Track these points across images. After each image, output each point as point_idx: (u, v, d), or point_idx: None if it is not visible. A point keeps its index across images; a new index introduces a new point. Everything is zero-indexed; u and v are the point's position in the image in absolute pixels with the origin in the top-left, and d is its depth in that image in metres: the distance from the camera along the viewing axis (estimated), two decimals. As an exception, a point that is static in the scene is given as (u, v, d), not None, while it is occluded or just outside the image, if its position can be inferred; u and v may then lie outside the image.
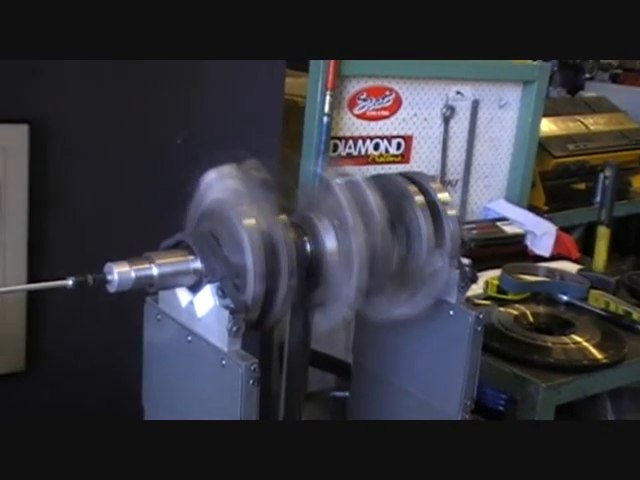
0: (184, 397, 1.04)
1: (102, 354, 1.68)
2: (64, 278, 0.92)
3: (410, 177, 1.14)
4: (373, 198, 1.05)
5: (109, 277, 0.94)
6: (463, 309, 1.16)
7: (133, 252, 0.97)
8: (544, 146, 2.86)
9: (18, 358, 1.60)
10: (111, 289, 0.94)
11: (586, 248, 2.60)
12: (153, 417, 1.10)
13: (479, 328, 1.15)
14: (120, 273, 0.94)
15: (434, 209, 1.11)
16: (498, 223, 2.51)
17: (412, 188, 1.11)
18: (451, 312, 1.16)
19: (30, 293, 1.56)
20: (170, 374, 1.05)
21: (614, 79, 4.40)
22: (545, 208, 2.82)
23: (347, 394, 1.47)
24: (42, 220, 1.56)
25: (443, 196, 1.14)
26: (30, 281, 1.53)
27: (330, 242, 1.03)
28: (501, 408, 2.02)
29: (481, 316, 1.15)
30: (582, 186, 3.13)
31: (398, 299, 1.10)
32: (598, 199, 2.57)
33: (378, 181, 1.11)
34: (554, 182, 2.96)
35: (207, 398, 1.00)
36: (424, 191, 1.12)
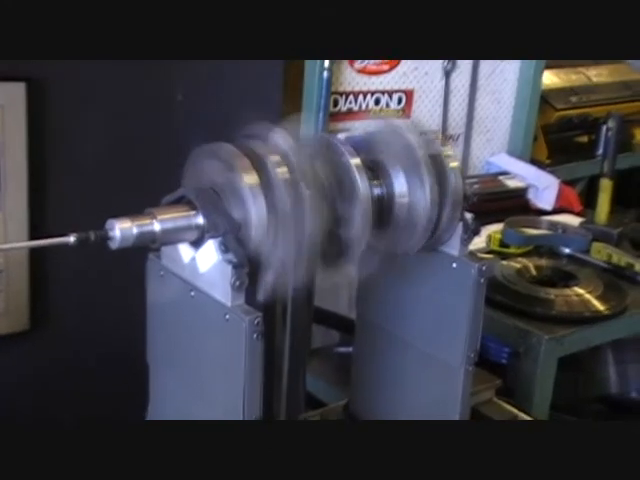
0: (188, 352, 1.05)
1: (106, 311, 1.69)
2: (66, 235, 0.92)
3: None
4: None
5: (111, 233, 0.93)
6: (466, 261, 1.15)
7: (135, 209, 0.97)
8: (546, 99, 2.82)
9: (22, 317, 1.60)
10: (113, 245, 0.94)
11: (588, 201, 2.59)
12: (157, 373, 1.10)
13: (482, 280, 1.15)
14: (122, 229, 0.93)
15: (437, 162, 1.10)
16: (500, 177, 2.50)
17: (415, 141, 1.09)
18: (454, 264, 1.16)
19: (32, 252, 1.55)
20: (174, 330, 1.06)
21: (617, 30, 4.34)
22: (547, 161, 2.80)
23: (351, 350, 1.48)
24: (43, 178, 1.56)
25: (446, 149, 1.13)
26: (32, 239, 1.53)
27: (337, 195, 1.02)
28: (504, 361, 2.03)
29: (484, 268, 1.15)
30: (584, 139, 3.11)
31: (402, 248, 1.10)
32: (601, 151, 2.56)
33: (380, 134, 1.11)
34: (556, 135, 2.93)
35: (211, 353, 1.00)
36: (427, 144, 1.11)
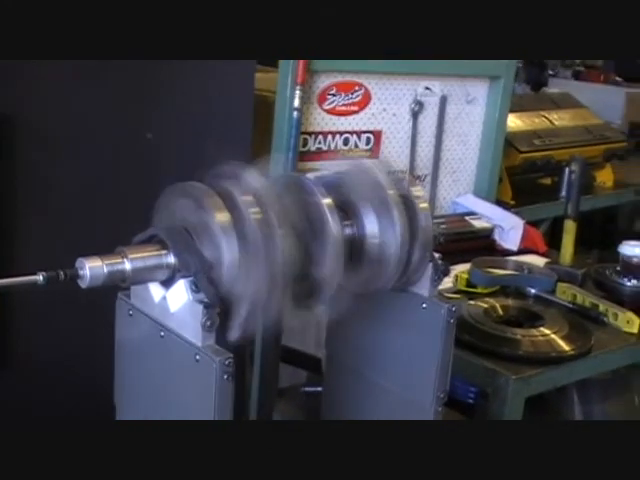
0: (157, 393, 1.03)
1: (74, 351, 1.66)
2: (34, 273, 0.91)
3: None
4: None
5: (81, 272, 0.92)
6: (436, 302, 1.16)
7: (105, 247, 0.96)
8: (510, 141, 2.88)
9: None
10: (83, 284, 0.93)
11: (553, 242, 2.63)
12: (125, 414, 1.08)
13: (452, 320, 1.16)
14: (92, 268, 0.93)
15: (407, 203, 1.11)
16: (467, 217, 2.53)
17: (386, 181, 1.11)
18: (424, 305, 1.17)
19: (-2, 290, 1.53)
20: (143, 370, 1.04)
21: (576, 76, 4.46)
22: (512, 203, 2.85)
23: (319, 389, 1.47)
24: (12, 216, 1.54)
25: (415, 190, 1.14)
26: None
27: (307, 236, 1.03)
28: (471, 401, 2.03)
29: (453, 309, 1.16)
30: (548, 181, 3.17)
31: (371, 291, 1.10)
32: (564, 193, 2.60)
33: (351, 174, 1.12)
34: (521, 177, 2.99)
35: (181, 394, 0.99)
36: (397, 185, 1.12)
